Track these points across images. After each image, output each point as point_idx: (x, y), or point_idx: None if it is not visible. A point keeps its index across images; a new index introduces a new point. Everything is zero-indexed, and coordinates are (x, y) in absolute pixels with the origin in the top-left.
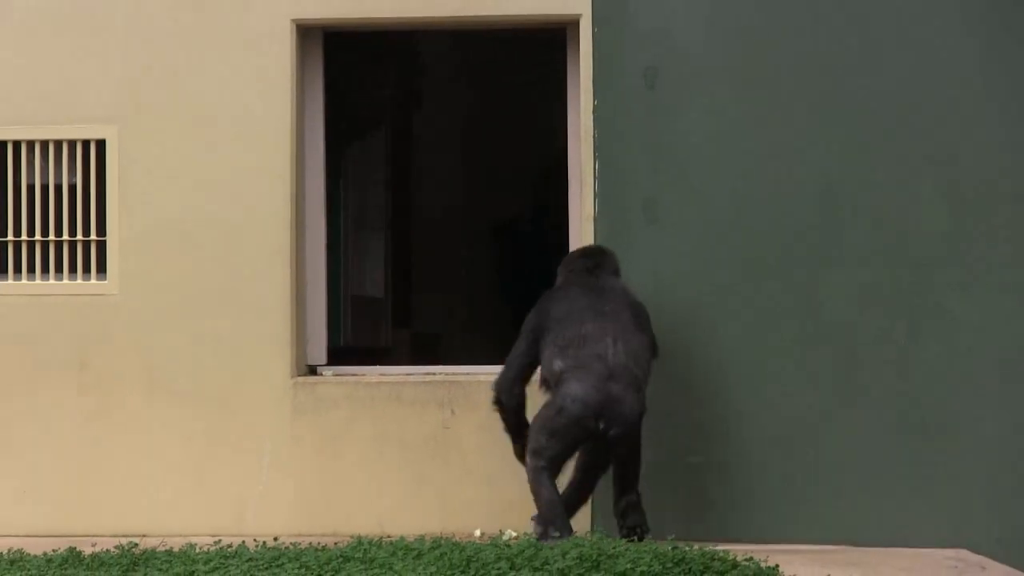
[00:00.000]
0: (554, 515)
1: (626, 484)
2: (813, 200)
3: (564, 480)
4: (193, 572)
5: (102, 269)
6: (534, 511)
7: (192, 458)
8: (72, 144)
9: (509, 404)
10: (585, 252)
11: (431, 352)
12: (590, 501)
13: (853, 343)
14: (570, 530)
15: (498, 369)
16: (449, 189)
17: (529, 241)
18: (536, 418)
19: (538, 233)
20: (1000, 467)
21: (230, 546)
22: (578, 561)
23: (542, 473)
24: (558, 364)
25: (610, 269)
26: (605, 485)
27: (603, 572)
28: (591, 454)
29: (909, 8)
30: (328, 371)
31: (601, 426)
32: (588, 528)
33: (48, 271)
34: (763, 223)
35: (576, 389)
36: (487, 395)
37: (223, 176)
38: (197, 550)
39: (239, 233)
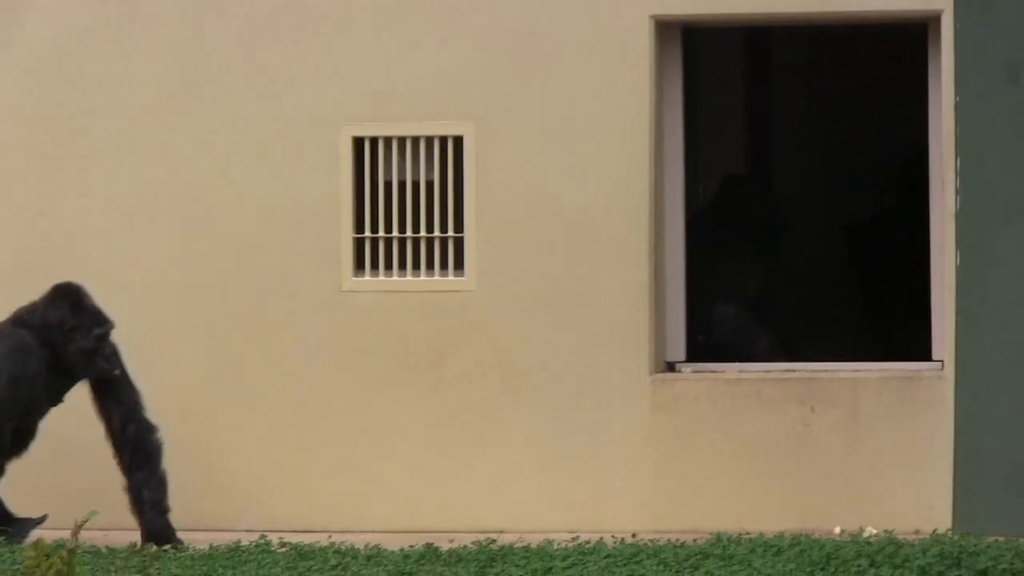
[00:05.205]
0: None
1: None
2: None
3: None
4: (550, 568)
5: (459, 265)
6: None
7: (548, 454)
8: (430, 141)
9: None
10: None
11: (791, 349)
12: (951, 497)
13: None
14: None
15: (857, 366)
16: (805, 185)
17: (886, 238)
18: None
19: (895, 230)
20: None
21: (587, 542)
22: (939, 558)
23: None
24: None
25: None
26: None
27: (964, 569)
28: None
29: None
30: (687, 368)
31: None
32: (949, 524)
33: (406, 267)
34: None
35: None
36: (847, 393)
37: (580, 172)
38: (555, 546)
39: (596, 229)
